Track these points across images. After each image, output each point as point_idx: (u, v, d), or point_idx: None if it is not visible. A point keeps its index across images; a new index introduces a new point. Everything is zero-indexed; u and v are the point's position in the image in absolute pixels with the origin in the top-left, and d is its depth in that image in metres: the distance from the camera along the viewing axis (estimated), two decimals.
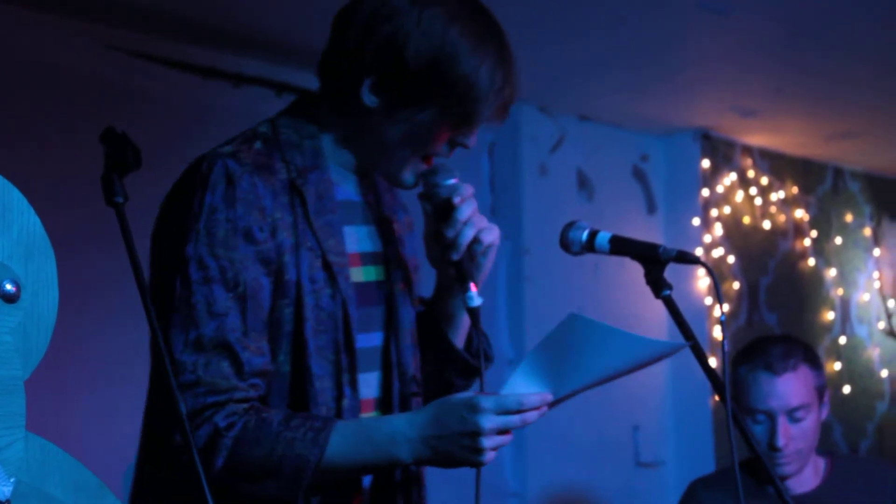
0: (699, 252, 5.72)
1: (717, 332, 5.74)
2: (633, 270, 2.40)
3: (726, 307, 5.89)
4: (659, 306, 2.35)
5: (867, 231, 6.87)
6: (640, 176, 5.91)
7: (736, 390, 3.45)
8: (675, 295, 2.32)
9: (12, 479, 1.56)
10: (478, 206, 2.33)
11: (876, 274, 6.87)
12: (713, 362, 5.39)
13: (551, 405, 2.16)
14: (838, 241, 6.66)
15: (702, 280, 5.72)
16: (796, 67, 4.99)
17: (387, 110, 2.21)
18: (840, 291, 6.61)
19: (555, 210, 5.34)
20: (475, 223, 2.29)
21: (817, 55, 4.85)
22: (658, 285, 2.28)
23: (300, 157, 2.24)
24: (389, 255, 2.38)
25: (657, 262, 2.28)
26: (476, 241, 2.30)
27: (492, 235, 2.33)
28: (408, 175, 2.28)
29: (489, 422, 2.06)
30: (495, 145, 5.39)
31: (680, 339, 2.25)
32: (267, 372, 2.16)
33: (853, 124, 5.86)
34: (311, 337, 2.17)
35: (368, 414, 2.29)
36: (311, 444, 2.08)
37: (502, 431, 2.09)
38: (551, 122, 5.48)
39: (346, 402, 2.20)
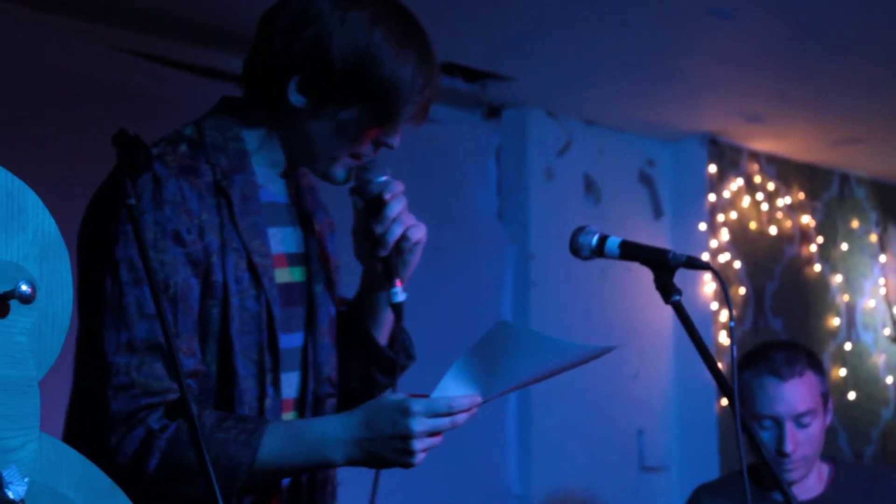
0: (705, 257, 5.72)
1: (723, 338, 5.74)
2: (640, 275, 2.41)
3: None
4: (665, 311, 2.36)
5: (873, 237, 6.87)
6: (646, 180, 5.91)
7: (742, 396, 3.45)
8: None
9: (26, 479, 1.57)
10: (407, 204, 2.38)
11: (882, 280, 6.87)
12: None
13: (481, 403, 2.19)
14: (844, 247, 6.65)
15: (708, 285, 5.72)
16: (803, 73, 4.99)
17: (313, 109, 2.26)
18: (846, 297, 6.61)
19: (561, 214, 5.34)
20: (404, 220, 2.35)
21: (824, 61, 4.85)
22: (667, 291, 2.28)
23: (225, 159, 2.26)
24: (311, 256, 2.41)
25: (667, 268, 2.28)
26: (404, 237, 2.35)
27: (419, 233, 2.38)
28: (338, 171, 2.33)
29: (420, 425, 2.10)
30: (502, 149, 5.39)
31: (692, 347, 2.26)
32: (199, 372, 2.18)
33: (860, 130, 5.86)
34: (237, 337, 2.21)
35: (288, 414, 2.33)
36: (244, 446, 2.11)
37: (433, 433, 2.12)
38: (558, 126, 5.48)
39: (268, 402, 2.24)
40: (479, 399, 2.16)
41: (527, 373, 2.23)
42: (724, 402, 5.58)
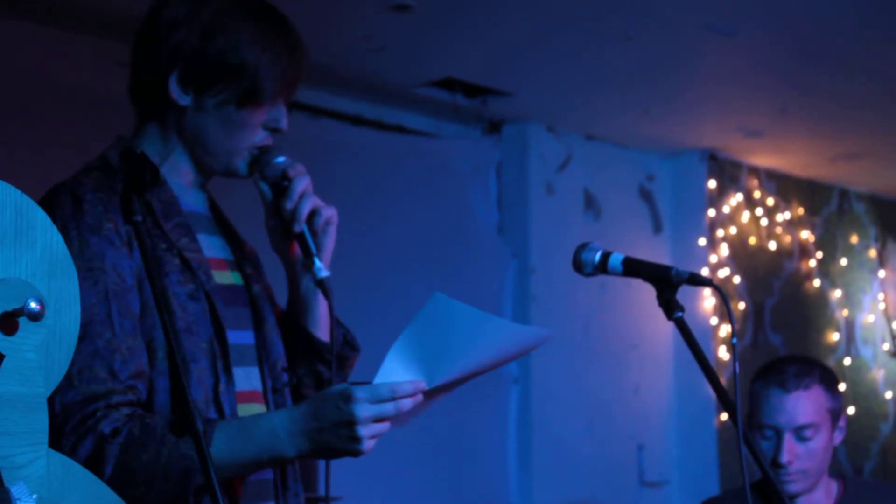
0: (705, 272, 5.73)
1: (723, 352, 5.74)
2: (639, 290, 2.41)
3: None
4: (665, 326, 2.36)
5: (872, 252, 6.88)
6: (646, 196, 5.92)
7: (748, 406, 3.46)
8: None
9: (34, 496, 1.57)
10: (311, 184, 2.38)
11: (881, 295, 6.88)
12: None
13: (430, 394, 2.19)
14: (843, 262, 6.67)
15: (707, 300, 5.73)
16: (802, 89, 5.01)
17: (195, 102, 2.29)
18: (845, 312, 6.62)
19: (561, 229, 5.35)
20: (312, 198, 2.36)
21: (823, 77, 4.86)
22: (670, 307, 2.28)
23: None
24: (242, 261, 2.42)
25: (670, 285, 2.28)
26: (315, 212, 2.36)
27: (329, 210, 2.38)
28: (239, 164, 2.34)
29: (364, 411, 2.10)
30: (503, 164, 5.41)
31: (690, 358, 2.26)
32: (143, 373, 2.18)
33: (859, 146, 5.87)
34: (182, 330, 2.21)
35: (258, 405, 2.34)
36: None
37: (379, 419, 2.13)
38: (558, 141, 5.49)
39: (221, 388, 2.24)
40: (423, 384, 2.16)
41: (469, 356, 2.21)
42: (725, 416, 5.58)
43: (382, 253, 4.77)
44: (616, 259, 2.36)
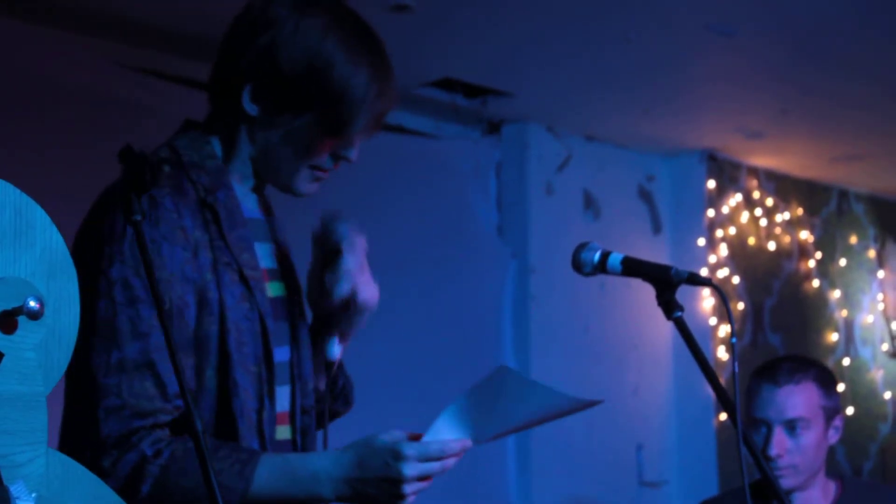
0: (704, 272, 5.73)
1: (722, 353, 5.74)
2: (639, 291, 2.41)
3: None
4: (664, 326, 2.37)
5: (871, 253, 6.88)
6: (645, 196, 5.92)
7: (745, 402, 3.47)
8: None
9: (34, 495, 1.57)
10: (367, 264, 2.36)
11: (880, 296, 6.88)
12: None
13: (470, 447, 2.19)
14: (843, 262, 6.67)
15: (706, 300, 5.73)
16: (802, 89, 5.01)
17: (267, 118, 2.24)
18: (844, 313, 6.62)
19: (561, 229, 5.35)
20: (355, 278, 2.33)
21: (823, 77, 4.87)
22: (670, 307, 2.28)
23: (206, 177, 2.25)
24: (287, 273, 2.40)
25: (669, 284, 2.28)
26: (353, 293, 2.33)
27: (369, 293, 2.36)
28: (300, 184, 2.31)
29: (411, 469, 2.09)
30: (502, 164, 5.41)
31: (689, 359, 2.27)
32: (189, 390, 2.17)
33: (858, 147, 5.88)
34: (235, 350, 2.19)
35: (283, 427, 2.33)
36: (238, 477, 2.10)
37: (423, 478, 2.12)
38: (558, 141, 5.50)
39: (265, 414, 2.23)
40: (469, 444, 2.16)
41: (518, 419, 2.23)
42: (723, 416, 5.58)
43: (382, 253, 4.75)
44: (615, 259, 2.36)
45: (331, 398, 2.45)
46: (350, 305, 2.34)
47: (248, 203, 2.33)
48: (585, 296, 5.44)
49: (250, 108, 2.24)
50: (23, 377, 1.58)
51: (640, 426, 5.68)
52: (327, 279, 2.33)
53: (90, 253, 2.17)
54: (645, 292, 2.37)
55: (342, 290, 2.32)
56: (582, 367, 5.32)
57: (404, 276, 4.73)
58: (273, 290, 2.33)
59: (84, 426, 2.14)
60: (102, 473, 2.08)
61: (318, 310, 2.42)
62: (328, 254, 2.33)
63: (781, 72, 4.79)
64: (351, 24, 2.27)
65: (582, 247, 2.39)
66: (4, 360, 1.56)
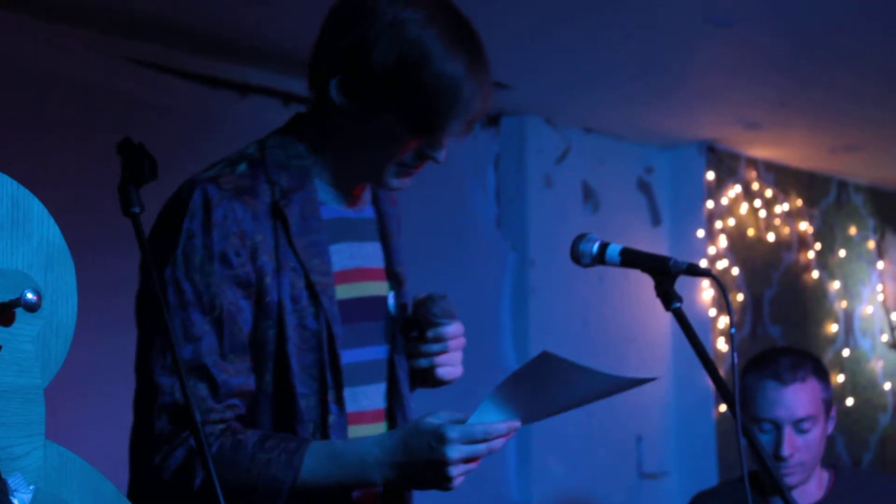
0: (703, 264, 5.73)
1: (721, 344, 5.74)
2: (638, 282, 2.41)
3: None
4: (664, 317, 2.36)
5: (871, 244, 6.88)
6: (644, 188, 5.92)
7: (743, 399, 3.46)
8: None
9: (32, 487, 1.57)
10: (455, 346, 2.39)
11: (879, 287, 6.88)
12: None
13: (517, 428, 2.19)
14: (842, 253, 6.67)
15: (706, 291, 5.73)
16: (801, 80, 5.00)
17: (354, 111, 2.19)
18: (843, 304, 6.62)
19: (560, 221, 5.35)
20: (436, 360, 2.37)
21: (822, 68, 4.86)
22: (668, 298, 2.28)
23: (286, 178, 2.23)
24: (389, 271, 2.40)
25: (667, 275, 2.28)
26: (431, 370, 2.38)
27: (450, 375, 2.40)
28: (387, 179, 2.27)
29: (456, 452, 2.09)
30: (501, 157, 5.40)
31: (689, 350, 2.26)
32: (246, 392, 2.18)
33: (857, 137, 5.87)
34: (294, 356, 2.19)
35: (378, 424, 2.33)
36: (286, 467, 2.11)
37: (469, 460, 2.11)
38: (557, 133, 5.49)
39: (332, 419, 2.22)
40: (517, 425, 2.15)
41: (564, 400, 2.23)
42: (723, 408, 5.58)
43: None
44: (614, 250, 2.35)
45: None
46: (427, 378, 2.40)
47: (335, 204, 2.30)
48: (584, 288, 5.44)
49: (338, 100, 2.19)
50: (20, 369, 1.58)
51: (639, 418, 5.68)
52: (411, 347, 2.37)
53: (156, 250, 2.18)
54: (644, 284, 2.37)
55: (419, 364, 2.37)
56: (581, 359, 5.29)
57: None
58: (357, 290, 2.31)
59: (142, 423, 2.17)
60: (154, 469, 2.12)
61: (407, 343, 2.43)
62: (420, 324, 2.36)
63: (780, 63, 4.78)
64: (451, 20, 2.21)
65: (580, 238, 2.39)
66: (2, 352, 1.56)
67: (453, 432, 2.08)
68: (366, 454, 2.14)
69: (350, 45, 2.16)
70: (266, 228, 2.19)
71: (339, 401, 2.24)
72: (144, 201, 1.93)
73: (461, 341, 2.38)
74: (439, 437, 2.08)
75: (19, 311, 1.57)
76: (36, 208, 1.62)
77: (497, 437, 2.12)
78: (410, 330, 2.38)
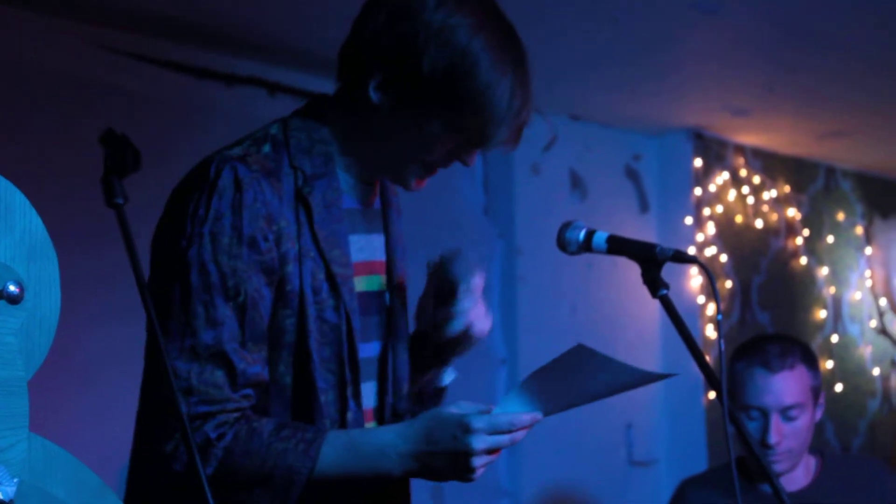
0: (691, 251, 5.73)
1: (710, 331, 5.75)
2: (626, 270, 2.40)
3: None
4: (652, 305, 2.35)
5: (859, 230, 6.89)
6: (632, 175, 5.92)
7: (731, 386, 3.46)
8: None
9: (15, 480, 1.57)
10: (481, 299, 2.32)
11: (868, 272, 6.89)
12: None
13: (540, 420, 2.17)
14: (830, 239, 6.67)
15: (694, 279, 5.73)
16: (788, 66, 5.00)
17: (391, 111, 2.15)
18: (832, 290, 6.63)
19: (547, 209, 5.35)
20: (470, 317, 2.29)
21: (809, 54, 4.86)
22: (655, 285, 2.28)
23: (309, 164, 2.18)
24: (394, 266, 2.36)
25: (654, 262, 2.28)
26: (466, 331, 2.30)
27: (483, 327, 2.32)
28: (410, 180, 2.24)
29: (481, 443, 2.05)
30: None
31: (677, 337, 2.26)
32: (262, 383, 2.13)
33: (845, 123, 5.87)
34: (316, 349, 2.15)
35: (369, 425, 2.28)
36: (303, 456, 2.07)
37: (492, 451, 2.09)
38: (543, 121, 5.49)
39: (350, 415, 2.18)
40: (539, 416, 2.12)
41: (588, 393, 2.21)
42: (712, 395, 5.59)
43: None
44: (600, 237, 2.35)
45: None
46: (462, 340, 2.31)
47: (352, 193, 2.26)
48: (572, 276, 5.44)
49: (375, 97, 2.14)
50: (3, 362, 1.57)
51: (629, 406, 5.68)
52: (440, 315, 2.29)
53: (172, 229, 2.12)
54: (633, 272, 2.37)
55: (455, 328, 2.28)
56: (569, 347, 5.31)
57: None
58: (367, 284, 2.27)
59: (153, 408, 2.11)
60: (166, 457, 2.06)
61: (426, 340, 2.37)
62: (443, 289, 2.29)
63: (767, 49, 4.78)
64: (499, 27, 2.18)
65: (567, 225, 2.38)
66: None
67: (479, 422, 2.05)
68: (385, 445, 2.10)
69: (395, 46, 2.11)
70: (289, 214, 2.14)
71: (357, 396, 2.20)
72: (129, 192, 1.92)
73: (475, 293, 2.30)
74: (465, 428, 2.05)
75: (1, 304, 1.56)
76: (18, 200, 1.61)
77: (521, 429, 2.09)
78: (431, 305, 2.32)
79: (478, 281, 2.29)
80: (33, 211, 1.62)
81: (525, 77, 2.17)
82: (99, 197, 1.90)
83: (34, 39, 3.99)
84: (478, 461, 2.07)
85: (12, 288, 1.55)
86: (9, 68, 3.91)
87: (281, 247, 2.12)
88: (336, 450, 2.09)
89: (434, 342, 2.33)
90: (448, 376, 2.34)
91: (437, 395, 2.36)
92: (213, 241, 2.07)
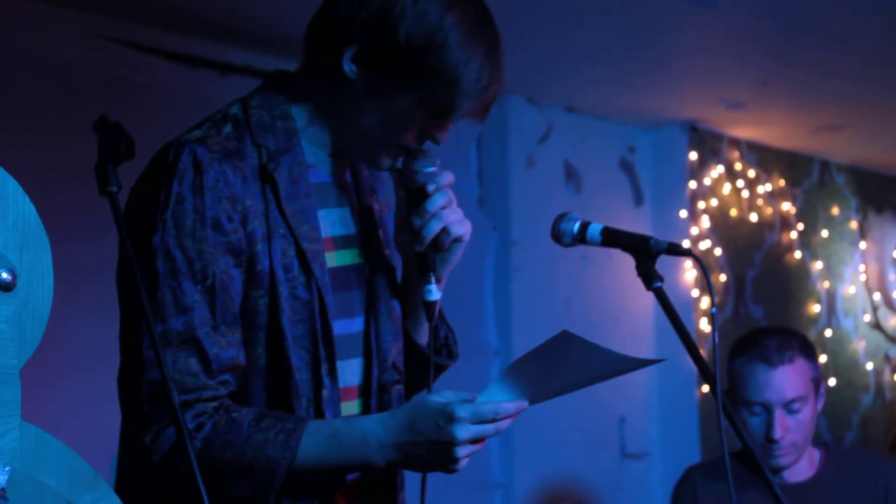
0: (686, 244, 5.72)
1: (704, 324, 5.75)
2: (621, 262, 2.40)
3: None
4: (646, 298, 2.35)
5: (853, 224, 6.89)
6: (627, 168, 5.92)
7: (732, 382, 3.47)
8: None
9: (7, 468, 1.56)
10: (455, 199, 2.28)
11: (862, 267, 6.89)
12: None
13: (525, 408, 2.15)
14: (825, 233, 6.67)
15: (689, 272, 5.73)
16: (783, 60, 5.00)
17: (365, 85, 2.15)
18: (826, 284, 6.63)
19: (542, 201, 5.34)
20: (445, 216, 2.24)
21: (804, 48, 4.86)
22: (649, 277, 2.28)
23: (272, 140, 2.17)
24: (369, 238, 2.32)
25: (648, 254, 2.28)
26: (444, 232, 2.25)
27: (462, 228, 2.28)
28: (382, 158, 2.23)
29: (465, 432, 2.03)
30: (483, 137, 5.39)
31: (671, 330, 2.25)
32: (238, 367, 2.11)
33: (840, 117, 5.87)
34: (288, 328, 2.12)
35: (351, 402, 2.25)
36: (283, 447, 2.05)
37: (476, 440, 2.07)
38: (539, 113, 5.48)
39: (325, 393, 2.15)
40: (525, 405, 2.10)
41: (575, 380, 2.20)
42: (706, 388, 5.59)
43: None
44: (595, 229, 2.35)
45: (433, 349, 2.36)
46: (441, 243, 2.26)
47: (321, 167, 2.24)
48: (567, 268, 5.44)
49: (349, 70, 2.14)
50: None
51: (622, 399, 5.68)
52: (415, 220, 2.24)
53: (137, 218, 2.10)
54: (627, 264, 2.36)
55: (431, 229, 2.23)
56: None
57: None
58: (342, 258, 2.25)
59: (131, 400, 2.09)
60: (145, 449, 2.04)
61: (409, 253, 2.33)
62: (414, 194, 2.24)
63: (762, 42, 4.78)
64: (473, 7, 2.19)
65: (561, 217, 2.38)
66: None
67: (462, 411, 2.03)
68: (368, 434, 2.07)
69: (371, 18, 2.11)
70: (255, 192, 2.13)
71: (333, 374, 2.17)
72: (122, 180, 1.91)
73: (447, 191, 2.26)
74: (448, 416, 2.02)
75: None
76: (11, 187, 1.60)
77: (505, 417, 2.07)
78: (404, 214, 2.29)
79: (447, 177, 2.26)
80: (26, 198, 1.62)
81: (496, 56, 2.19)
82: (92, 185, 1.89)
83: (28, 28, 3.98)
84: (461, 451, 2.05)
85: (5, 275, 1.54)
86: (4, 56, 3.90)
87: (247, 226, 2.11)
88: (317, 440, 2.07)
89: (416, 254, 2.29)
90: (433, 291, 2.28)
91: (428, 312, 2.29)
92: (177, 225, 2.06)
